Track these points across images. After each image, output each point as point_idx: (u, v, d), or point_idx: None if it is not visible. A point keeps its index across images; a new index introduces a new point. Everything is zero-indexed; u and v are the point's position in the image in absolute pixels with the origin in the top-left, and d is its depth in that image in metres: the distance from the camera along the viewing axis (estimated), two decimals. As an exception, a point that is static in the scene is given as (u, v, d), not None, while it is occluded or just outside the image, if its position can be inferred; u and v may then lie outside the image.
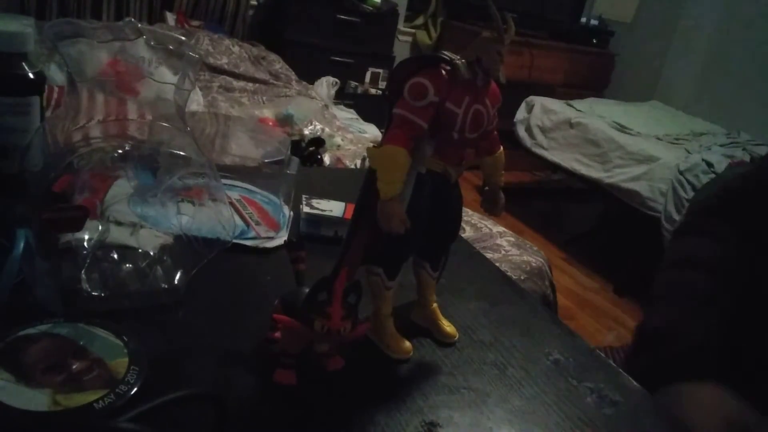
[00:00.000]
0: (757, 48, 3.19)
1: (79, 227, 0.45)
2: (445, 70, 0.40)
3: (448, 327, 0.49)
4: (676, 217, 2.22)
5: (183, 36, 0.49)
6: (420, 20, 3.54)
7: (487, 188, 0.48)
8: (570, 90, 3.43)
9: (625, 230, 2.76)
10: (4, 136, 0.54)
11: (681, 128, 2.86)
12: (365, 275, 0.45)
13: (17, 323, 0.40)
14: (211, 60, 2.37)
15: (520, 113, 2.99)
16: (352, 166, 1.74)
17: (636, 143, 2.48)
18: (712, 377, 0.57)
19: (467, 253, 0.69)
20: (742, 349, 0.62)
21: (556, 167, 2.83)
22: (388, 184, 0.40)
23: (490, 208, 0.48)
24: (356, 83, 3.11)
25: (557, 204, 3.52)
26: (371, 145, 0.88)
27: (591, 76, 3.69)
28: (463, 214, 0.72)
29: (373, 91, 3.15)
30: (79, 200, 0.48)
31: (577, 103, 2.93)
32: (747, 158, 2.43)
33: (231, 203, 0.62)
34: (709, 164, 2.28)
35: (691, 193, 2.19)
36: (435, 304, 0.49)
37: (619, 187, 2.44)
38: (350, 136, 2.02)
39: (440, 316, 0.49)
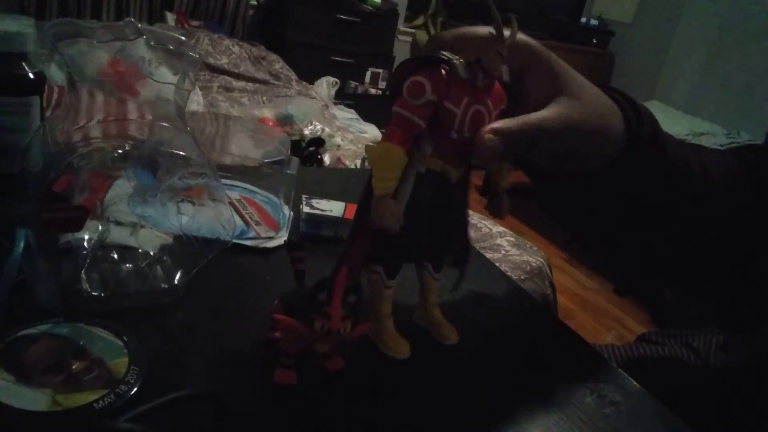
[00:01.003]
0: (758, 48, 3.19)
1: (79, 227, 0.45)
2: (444, 69, 0.40)
3: (448, 328, 0.49)
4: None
5: (183, 36, 0.48)
6: (420, 20, 3.54)
7: (490, 190, 0.48)
8: (570, 90, 3.42)
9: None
10: (4, 136, 0.54)
11: (681, 128, 2.86)
12: (365, 274, 0.45)
13: (17, 323, 0.40)
14: (211, 60, 2.37)
15: (521, 113, 2.99)
16: (352, 166, 1.75)
17: (636, 143, 2.48)
18: None
19: (467, 253, 0.69)
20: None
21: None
22: (381, 180, 0.39)
23: (495, 211, 0.48)
24: (356, 83, 3.11)
25: (557, 204, 3.51)
26: (371, 144, 0.88)
27: (591, 76, 3.63)
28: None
29: (373, 91, 3.15)
30: (79, 200, 0.48)
31: (578, 103, 2.93)
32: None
33: (231, 203, 0.62)
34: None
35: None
36: (437, 306, 0.49)
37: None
38: (350, 136, 2.03)
39: (441, 318, 0.49)
